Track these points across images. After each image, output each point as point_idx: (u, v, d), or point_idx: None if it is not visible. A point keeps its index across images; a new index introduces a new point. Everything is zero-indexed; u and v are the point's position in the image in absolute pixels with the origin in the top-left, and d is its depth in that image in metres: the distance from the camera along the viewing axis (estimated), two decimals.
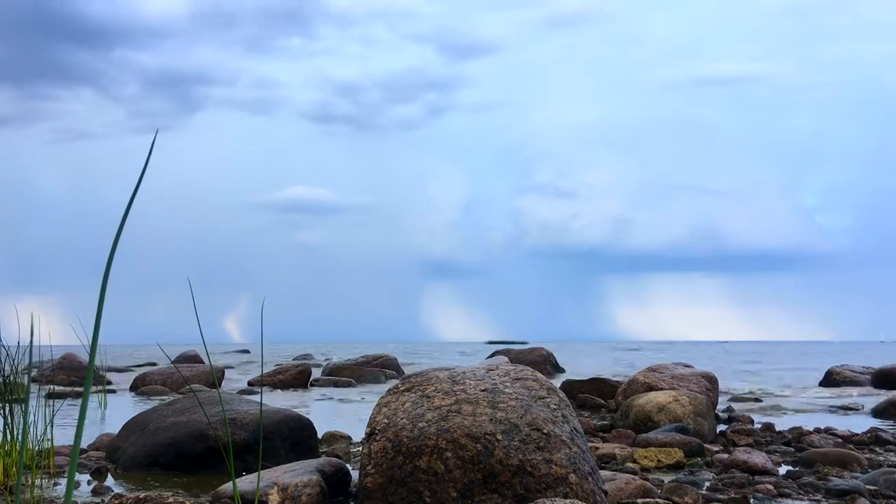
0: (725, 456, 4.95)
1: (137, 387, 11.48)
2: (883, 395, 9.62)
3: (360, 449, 4.04)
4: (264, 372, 13.29)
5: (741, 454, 4.77)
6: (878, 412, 8.23)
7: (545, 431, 3.23)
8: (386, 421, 3.41)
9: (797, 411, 8.85)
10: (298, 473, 3.70)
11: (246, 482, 3.78)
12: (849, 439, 5.94)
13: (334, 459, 4.13)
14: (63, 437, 5.57)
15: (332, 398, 10.68)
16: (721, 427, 6.86)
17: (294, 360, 22.61)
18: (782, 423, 7.21)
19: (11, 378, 4.23)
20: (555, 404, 3.46)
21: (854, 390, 11.66)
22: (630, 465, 4.82)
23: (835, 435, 6.07)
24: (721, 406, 8.46)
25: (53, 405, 4.40)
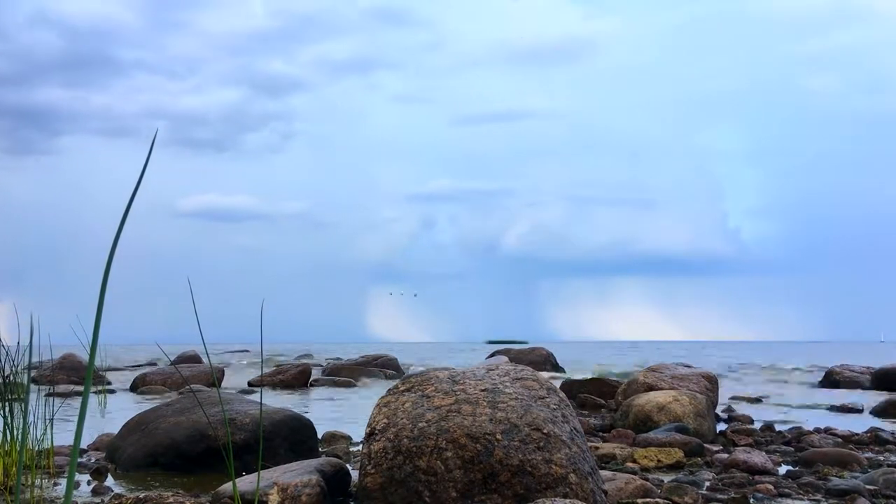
0: (725, 456, 4.95)
1: (137, 387, 11.48)
2: (884, 396, 9.63)
3: (360, 449, 4.04)
4: (264, 372, 13.29)
5: (741, 454, 4.77)
6: (877, 412, 8.23)
7: (545, 431, 3.23)
8: (386, 421, 3.41)
9: (790, 406, 8.86)
10: (298, 473, 3.70)
11: (246, 482, 3.78)
12: (849, 439, 5.94)
13: (334, 459, 4.13)
14: (63, 437, 5.57)
15: (332, 398, 10.69)
16: (721, 427, 6.86)
17: (294, 359, 22.60)
18: (782, 423, 7.21)
19: (11, 378, 4.23)
20: (555, 404, 3.46)
21: (844, 392, 11.66)
22: (630, 464, 4.82)
23: (835, 435, 6.08)
24: (721, 406, 8.46)
25: (53, 405, 4.40)
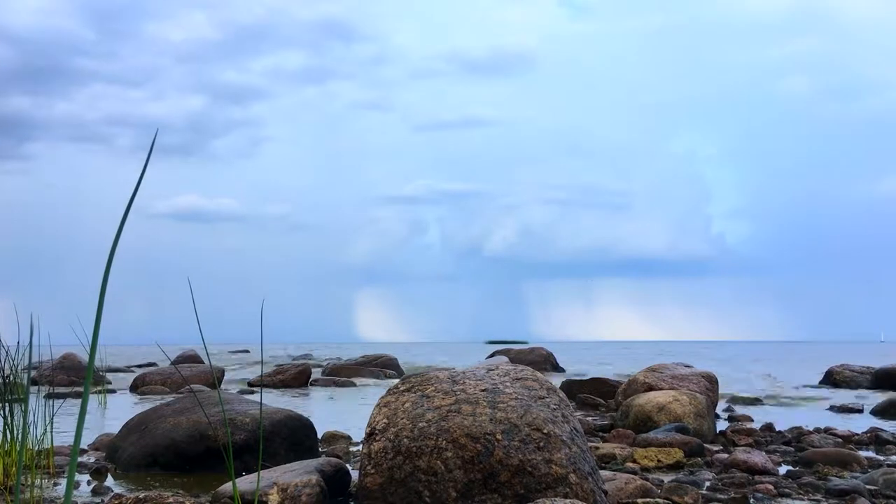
0: (725, 456, 4.95)
1: (137, 387, 11.48)
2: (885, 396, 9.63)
3: (360, 449, 4.04)
4: (264, 372, 13.29)
5: (741, 454, 4.77)
6: (877, 412, 8.23)
7: (545, 431, 3.23)
8: (386, 421, 3.41)
9: (789, 404, 8.86)
10: (298, 473, 3.70)
11: (246, 482, 3.78)
12: (849, 439, 5.94)
13: (334, 459, 4.13)
14: (63, 437, 5.57)
15: (332, 398, 10.68)
16: (721, 427, 6.86)
17: (294, 359, 22.60)
18: (782, 423, 7.21)
19: (11, 378, 4.23)
20: (555, 404, 3.45)
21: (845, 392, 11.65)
22: (630, 464, 4.82)
23: (835, 435, 6.08)
24: (721, 406, 8.46)
25: (53, 405, 4.40)
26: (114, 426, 5.80)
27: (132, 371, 17.06)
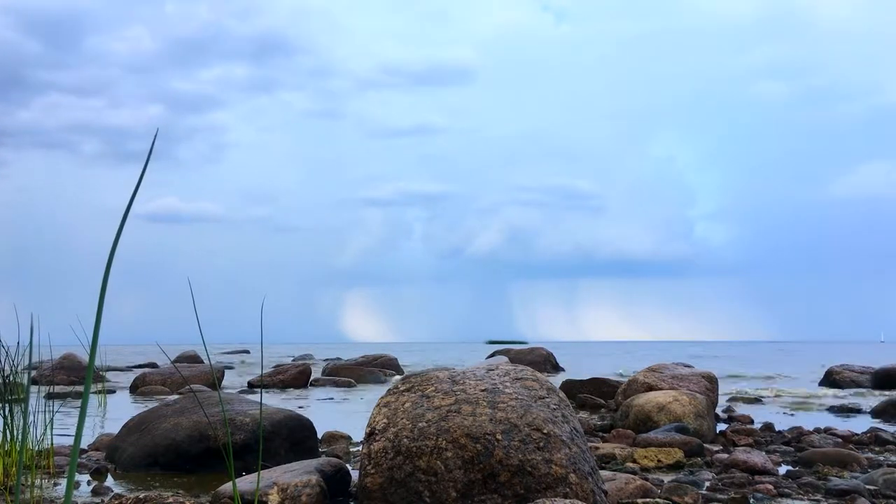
0: (725, 456, 4.95)
1: (137, 387, 11.48)
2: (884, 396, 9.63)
3: (360, 449, 4.03)
4: (264, 372, 13.29)
5: (741, 454, 4.77)
6: (877, 412, 8.23)
7: (545, 431, 3.23)
8: (386, 421, 3.41)
9: (788, 403, 8.86)
10: (298, 473, 3.70)
11: (246, 482, 3.78)
12: (849, 439, 5.94)
13: (334, 459, 4.13)
14: (63, 437, 5.57)
15: (332, 398, 10.68)
16: (721, 427, 6.86)
17: (294, 359, 22.60)
18: (782, 423, 7.21)
19: (11, 378, 4.23)
20: (555, 404, 3.45)
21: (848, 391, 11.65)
22: (630, 464, 4.82)
23: (835, 435, 6.08)
24: (721, 406, 8.46)
25: (53, 405, 4.40)
26: (114, 426, 5.80)
27: (132, 371, 17.07)
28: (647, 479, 4.12)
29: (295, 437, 4.85)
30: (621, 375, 13.06)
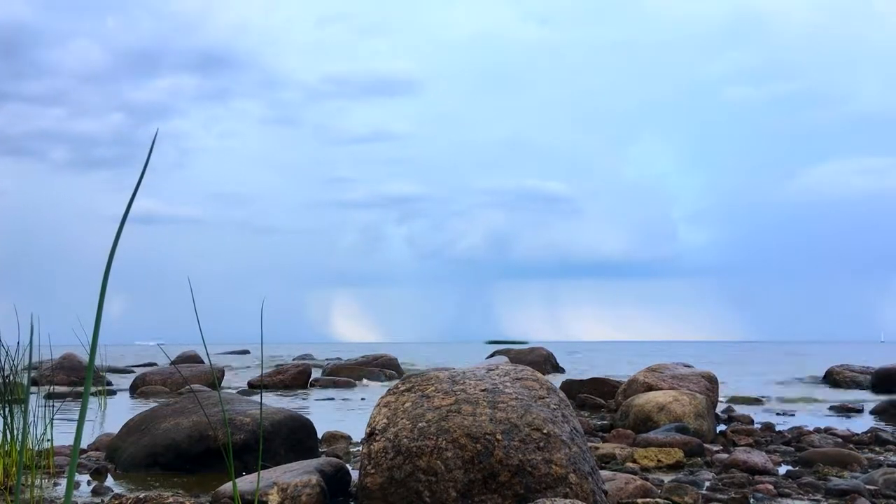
0: (725, 456, 4.95)
1: (137, 387, 11.48)
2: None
3: (360, 449, 4.03)
4: (264, 372, 13.29)
5: (741, 454, 4.77)
6: (877, 412, 8.23)
7: (545, 431, 3.23)
8: (386, 421, 3.41)
9: (788, 402, 8.86)
10: (298, 473, 3.70)
11: (246, 482, 3.78)
12: (849, 439, 5.94)
13: (334, 459, 4.13)
14: (63, 437, 5.57)
15: (332, 398, 10.69)
16: (721, 427, 6.86)
17: (294, 360, 22.59)
18: (782, 423, 7.21)
19: (11, 378, 4.23)
20: (555, 404, 3.46)
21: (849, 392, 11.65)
22: (630, 464, 4.82)
23: (835, 435, 6.08)
24: (721, 406, 8.46)
25: (53, 405, 4.40)
26: (114, 426, 5.80)
27: (132, 371, 17.07)
28: (647, 479, 4.12)
29: (295, 437, 4.85)
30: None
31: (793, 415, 8.49)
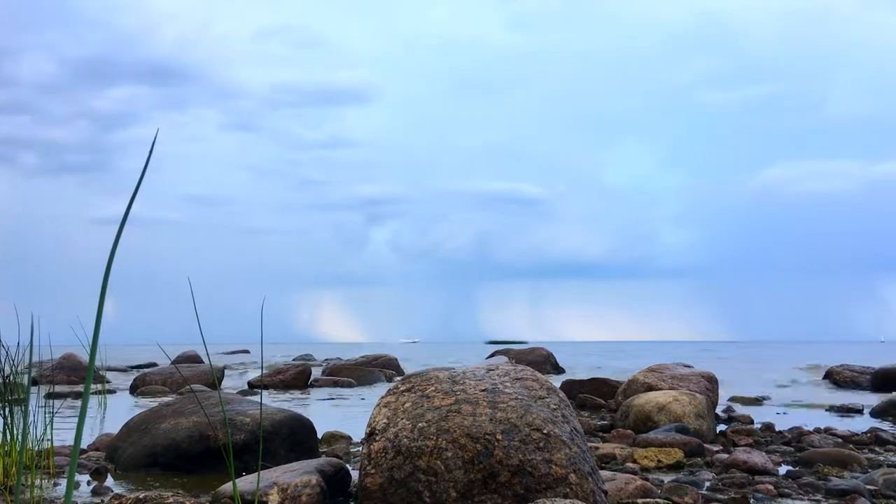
0: (725, 456, 4.95)
1: (137, 387, 11.48)
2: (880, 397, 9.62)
3: (360, 449, 4.03)
4: (264, 372, 13.29)
5: (741, 454, 4.77)
6: (877, 412, 8.23)
7: (545, 431, 3.23)
8: (386, 421, 3.41)
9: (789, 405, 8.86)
10: (298, 473, 3.70)
11: (246, 482, 3.78)
12: (849, 439, 5.94)
13: (334, 459, 4.13)
14: (63, 437, 5.57)
15: (332, 398, 10.68)
16: (721, 427, 6.86)
17: (294, 360, 22.60)
18: (782, 423, 7.21)
19: (11, 378, 4.23)
20: (555, 404, 3.46)
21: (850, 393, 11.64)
22: (630, 465, 4.82)
23: (835, 435, 6.08)
24: (721, 406, 8.46)
25: (53, 405, 4.40)
26: (114, 426, 5.80)
27: (132, 371, 17.06)
28: (647, 479, 4.12)
29: (295, 438, 4.85)
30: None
31: (792, 415, 8.49)
